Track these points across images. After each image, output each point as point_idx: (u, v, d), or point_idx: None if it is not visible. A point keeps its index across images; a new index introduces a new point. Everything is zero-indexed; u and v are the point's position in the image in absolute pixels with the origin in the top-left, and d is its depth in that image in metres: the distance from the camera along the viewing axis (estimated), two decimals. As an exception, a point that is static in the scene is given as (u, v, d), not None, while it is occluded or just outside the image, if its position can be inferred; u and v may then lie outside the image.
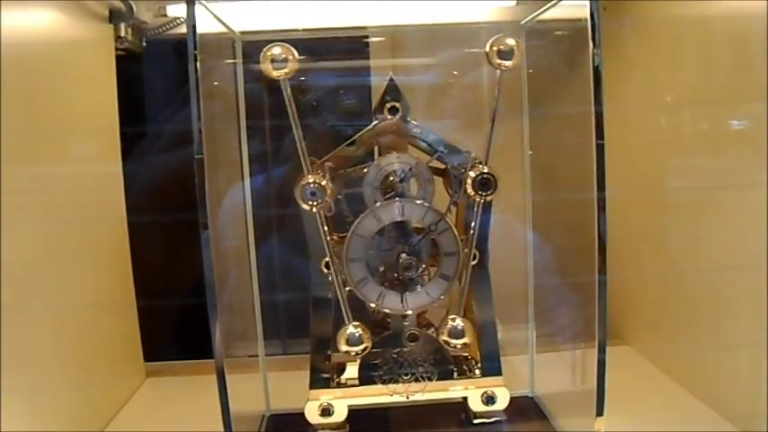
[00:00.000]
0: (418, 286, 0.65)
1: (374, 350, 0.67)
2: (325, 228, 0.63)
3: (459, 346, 0.66)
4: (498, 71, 0.62)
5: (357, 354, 0.64)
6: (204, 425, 0.59)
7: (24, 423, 0.59)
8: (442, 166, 0.68)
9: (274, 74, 0.59)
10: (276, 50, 0.59)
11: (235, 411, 0.59)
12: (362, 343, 0.64)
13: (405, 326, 0.67)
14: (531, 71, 0.75)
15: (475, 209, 0.64)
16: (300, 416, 0.67)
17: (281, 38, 0.60)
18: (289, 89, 0.60)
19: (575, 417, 0.69)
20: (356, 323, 0.64)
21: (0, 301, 0.56)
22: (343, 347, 0.64)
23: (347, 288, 0.65)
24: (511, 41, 0.61)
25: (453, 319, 0.65)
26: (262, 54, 0.59)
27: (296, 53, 0.59)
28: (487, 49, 0.61)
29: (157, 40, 0.90)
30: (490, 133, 0.63)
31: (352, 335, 0.64)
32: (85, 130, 0.77)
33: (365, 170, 0.67)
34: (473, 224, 0.65)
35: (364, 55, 0.93)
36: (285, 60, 0.59)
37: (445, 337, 0.65)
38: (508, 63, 0.61)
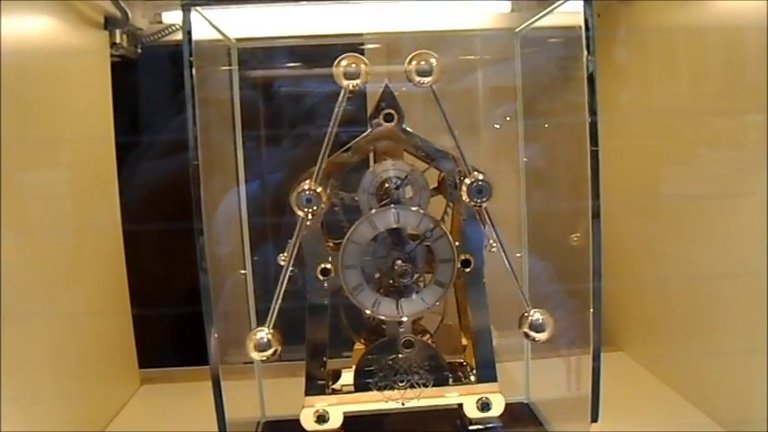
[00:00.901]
0: (413, 293, 0.65)
1: (370, 357, 0.67)
2: (322, 234, 0.63)
3: (538, 339, 0.64)
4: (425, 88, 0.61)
5: (267, 359, 0.62)
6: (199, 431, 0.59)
7: (20, 430, 0.59)
8: (438, 181, 0.69)
9: (345, 83, 0.60)
10: (349, 61, 0.59)
11: (230, 418, 0.59)
12: (271, 347, 0.62)
13: (400, 332, 0.67)
14: (525, 78, 0.76)
15: (469, 215, 0.65)
16: (296, 422, 0.67)
17: (277, 45, 0.61)
18: (344, 99, 0.61)
19: (570, 423, 0.69)
20: (262, 328, 0.62)
21: (-5, 309, 0.56)
22: (253, 354, 0.62)
23: (343, 295, 0.65)
24: (432, 59, 0.60)
25: (534, 313, 0.64)
26: (335, 64, 0.60)
27: (367, 62, 0.60)
28: (406, 65, 0.61)
29: (153, 46, 0.90)
30: (457, 145, 0.63)
31: (260, 339, 0.62)
32: (80, 136, 0.77)
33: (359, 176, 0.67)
34: (467, 231, 0.65)
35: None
36: (358, 74, 0.59)
37: (526, 330, 0.64)
38: (427, 80, 0.61)
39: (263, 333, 0.62)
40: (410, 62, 0.61)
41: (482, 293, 0.68)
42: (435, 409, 0.69)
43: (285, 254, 0.63)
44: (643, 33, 0.86)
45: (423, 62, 0.60)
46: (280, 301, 0.62)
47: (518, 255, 0.76)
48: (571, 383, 0.69)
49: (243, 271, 0.76)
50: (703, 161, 0.75)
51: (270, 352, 0.62)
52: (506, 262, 0.64)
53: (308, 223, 0.63)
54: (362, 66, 0.60)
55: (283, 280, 0.62)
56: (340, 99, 0.61)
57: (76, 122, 0.77)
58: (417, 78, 0.61)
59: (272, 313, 0.62)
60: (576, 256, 0.60)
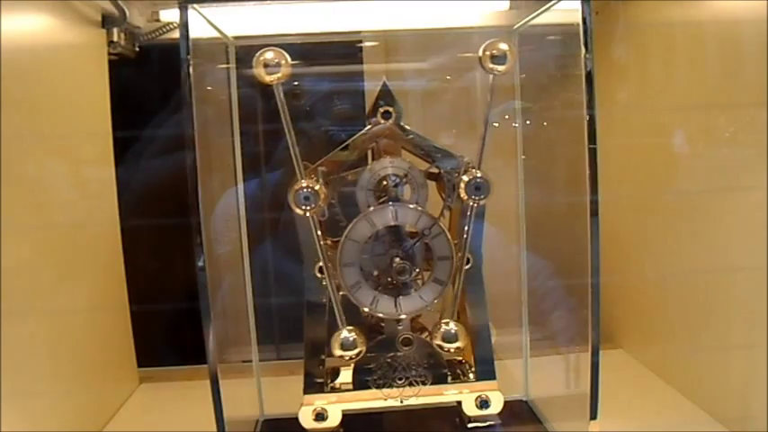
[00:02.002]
0: (412, 290, 0.65)
1: (368, 354, 0.67)
2: (319, 232, 0.63)
3: (452, 350, 0.66)
4: (491, 76, 0.62)
5: (351, 358, 0.64)
6: (198, 430, 0.59)
7: (18, 429, 0.59)
8: (436, 171, 0.68)
9: (267, 79, 0.59)
10: (269, 55, 0.59)
11: (228, 416, 0.59)
12: (356, 347, 0.64)
13: (398, 330, 0.67)
14: (523, 76, 0.76)
15: (468, 213, 0.64)
16: (294, 421, 0.67)
17: (275, 42, 0.60)
18: (282, 94, 0.60)
19: (569, 420, 0.69)
20: (350, 327, 0.64)
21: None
22: (338, 352, 0.64)
23: (341, 293, 0.65)
24: (504, 46, 0.61)
25: (447, 323, 0.65)
26: (255, 59, 0.59)
27: (288, 58, 0.59)
28: (480, 53, 0.61)
29: (150, 44, 0.90)
30: (483, 137, 0.63)
31: (346, 339, 0.64)
32: (78, 134, 0.76)
33: (358, 175, 0.67)
34: (466, 228, 0.65)
35: (357, 60, 0.93)
36: (278, 65, 0.59)
37: (438, 341, 0.65)
38: (501, 68, 0.61)
39: (349, 333, 0.64)
40: (485, 50, 0.61)
41: (481, 291, 0.68)
42: (434, 407, 0.69)
43: (320, 262, 0.64)
44: (641, 31, 0.86)
45: (496, 50, 0.61)
46: (339, 300, 0.64)
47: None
48: (570, 381, 0.69)
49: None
50: (702, 157, 0.75)
51: (355, 351, 0.64)
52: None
53: (318, 219, 0.63)
54: (284, 60, 0.59)
55: (330, 282, 0.64)
56: (278, 96, 0.60)
57: (74, 120, 0.77)
58: (491, 66, 0.61)
59: (339, 314, 0.64)
60: (575, 253, 0.60)
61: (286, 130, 0.61)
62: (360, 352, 0.64)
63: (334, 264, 0.64)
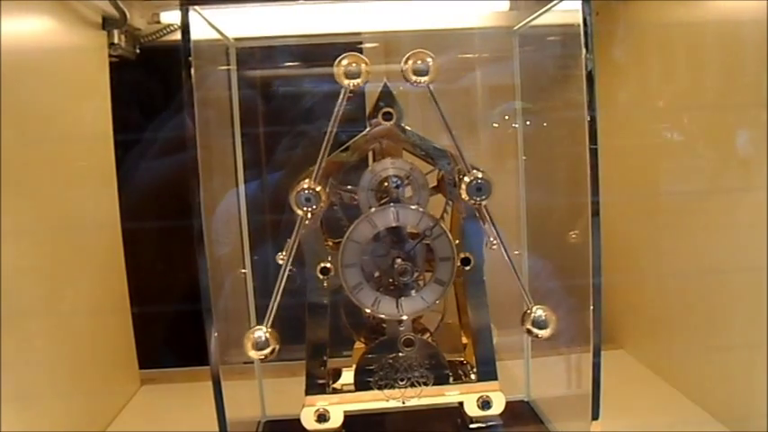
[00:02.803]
0: (413, 291, 0.65)
1: (370, 355, 0.67)
2: (321, 233, 0.63)
3: (543, 336, 0.63)
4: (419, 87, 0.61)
5: (265, 358, 0.62)
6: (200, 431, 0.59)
7: (20, 431, 0.59)
8: (438, 179, 0.69)
9: (347, 83, 0.60)
10: (349, 61, 0.59)
11: (230, 418, 0.59)
12: (269, 346, 0.62)
13: (400, 331, 0.67)
14: (524, 76, 0.76)
15: (469, 214, 0.65)
16: (296, 422, 0.67)
17: (275, 44, 0.60)
18: (345, 98, 0.61)
19: (570, 421, 0.69)
20: (260, 326, 0.62)
21: (-5, 310, 0.56)
22: (251, 353, 0.62)
23: (343, 294, 0.65)
24: (428, 58, 0.60)
25: (536, 310, 0.63)
26: (335, 64, 0.60)
27: (367, 62, 0.60)
28: (402, 64, 0.61)
29: (151, 46, 0.90)
30: (457, 146, 0.63)
31: (258, 338, 0.62)
32: (79, 136, 0.76)
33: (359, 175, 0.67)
34: (467, 229, 0.65)
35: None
36: (359, 73, 0.59)
37: (529, 326, 0.63)
38: (423, 79, 0.61)
39: (261, 332, 0.62)
40: (406, 61, 0.60)
41: (482, 292, 0.68)
42: (436, 408, 0.69)
43: (284, 253, 0.63)
44: (641, 31, 0.86)
45: (419, 61, 0.60)
46: (278, 299, 0.62)
47: (516, 252, 0.76)
48: (572, 381, 0.69)
49: (243, 270, 0.76)
50: (702, 157, 0.75)
51: (268, 350, 0.62)
52: (507, 259, 0.64)
53: (307, 222, 0.62)
54: (363, 65, 0.60)
55: (282, 278, 0.62)
56: (340, 99, 0.61)
57: (75, 122, 0.77)
58: (414, 78, 0.60)
59: (271, 312, 0.62)
60: (576, 254, 0.60)
61: (328, 135, 0.61)
62: (273, 350, 0.62)
63: (336, 265, 0.64)
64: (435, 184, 0.69)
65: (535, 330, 0.63)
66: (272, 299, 0.62)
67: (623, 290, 0.92)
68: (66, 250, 0.72)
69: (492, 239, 0.64)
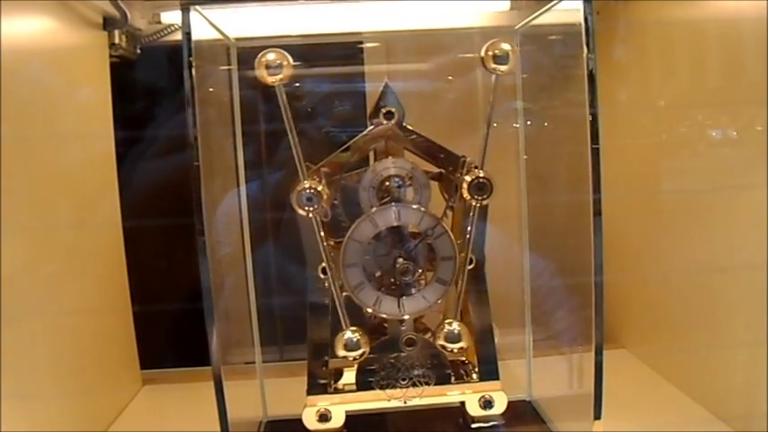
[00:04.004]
0: (415, 291, 0.65)
1: (371, 355, 0.67)
2: (322, 233, 0.63)
3: (455, 351, 0.66)
4: (494, 76, 0.62)
5: (355, 359, 0.64)
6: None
7: (21, 431, 0.59)
8: (438, 171, 0.68)
9: (269, 80, 0.59)
10: (271, 56, 0.59)
11: (232, 418, 0.59)
12: (360, 348, 0.64)
13: (402, 331, 0.67)
14: (525, 76, 0.76)
15: (471, 213, 0.64)
16: (298, 422, 0.67)
17: (276, 44, 0.60)
18: (284, 95, 0.60)
19: (572, 420, 0.69)
20: (354, 328, 0.64)
21: (-4, 310, 0.56)
22: (341, 352, 0.64)
23: (344, 293, 0.65)
24: (506, 46, 0.61)
25: (450, 323, 0.65)
26: (256, 60, 0.59)
27: (290, 59, 0.59)
28: (482, 53, 0.61)
29: (152, 46, 0.90)
30: (486, 138, 0.63)
31: (349, 340, 0.64)
32: (80, 136, 0.77)
33: (360, 175, 0.67)
34: (469, 228, 0.65)
35: (359, 61, 0.93)
36: (280, 66, 0.59)
37: (442, 342, 0.65)
38: (503, 68, 0.61)
39: (352, 333, 0.64)
40: (487, 50, 0.61)
41: (484, 291, 0.68)
42: (438, 408, 0.69)
43: (323, 263, 0.64)
44: (642, 30, 0.86)
45: (497, 51, 0.61)
46: (342, 302, 0.64)
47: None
48: (573, 381, 0.69)
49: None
50: (703, 156, 0.75)
51: (359, 352, 0.64)
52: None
53: (322, 218, 0.63)
54: (285, 61, 0.59)
55: (333, 282, 0.64)
56: (280, 96, 0.60)
57: (76, 122, 0.77)
58: (493, 66, 0.61)
59: (343, 316, 0.64)
60: (578, 253, 0.59)
61: (288, 131, 0.61)
62: (363, 353, 0.64)
63: (337, 264, 0.64)
64: (436, 183, 0.69)
65: (449, 345, 0.65)
66: (338, 303, 0.64)
67: (625, 289, 0.92)
68: (67, 250, 0.72)
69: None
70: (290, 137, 0.61)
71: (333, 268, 0.64)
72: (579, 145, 0.57)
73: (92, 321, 0.76)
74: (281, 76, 0.59)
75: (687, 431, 0.72)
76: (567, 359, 0.71)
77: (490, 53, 0.61)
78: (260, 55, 0.59)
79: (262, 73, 0.59)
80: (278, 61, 0.59)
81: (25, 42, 0.66)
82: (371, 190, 0.67)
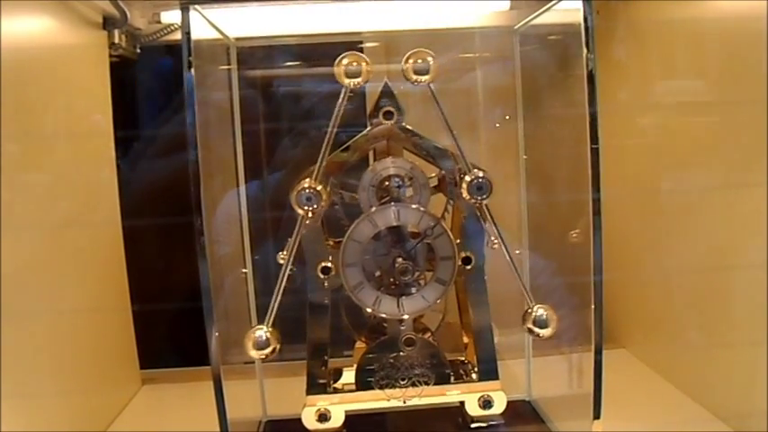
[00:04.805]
0: (414, 290, 0.65)
1: (371, 355, 0.67)
2: (322, 232, 0.63)
3: (543, 336, 0.64)
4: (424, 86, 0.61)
5: (266, 357, 0.62)
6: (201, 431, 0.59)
7: (21, 431, 0.59)
8: (438, 179, 0.68)
9: (347, 82, 0.60)
10: (350, 60, 0.59)
11: (232, 418, 0.59)
12: (270, 345, 0.62)
13: (401, 330, 0.67)
14: (525, 75, 0.76)
15: (470, 213, 0.65)
16: (297, 421, 0.67)
17: (276, 44, 0.60)
18: (345, 97, 0.61)
19: (572, 420, 0.69)
20: (261, 326, 0.62)
21: (-4, 309, 0.56)
22: (251, 352, 0.62)
23: (344, 293, 0.65)
24: (429, 57, 0.60)
25: (538, 309, 0.64)
26: (336, 63, 0.60)
27: (368, 60, 0.60)
28: (402, 63, 0.61)
29: (152, 46, 0.90)
30: (457, 144, 0.63)
31: (259, 338, 0.62)
32: (80, 136, 0.77)
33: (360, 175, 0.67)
34: (468, 228, 0.65)
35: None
36: (359, 73, 0.59)
37: (530, 326, 0.64)
38: (424, 78, 0.61)
39: (262, 331, 0.62)
40: (407, 60, 0.60)
41: (483, 291, 0.68)
42: (437, 408, 0.69)
43: (284, 252, 0.63)
44: (641, 30, 0.86)
45: (419, 60, 0.60)
46: (279, 299, 0.62)
47: (517, 252, 0.76)
48: (573, 381, 0.69)
49: (244, 270, 0.76)
50: (703, 155, 0.75)
51: (269, 350, 0.62)
52: (508, 258, 0.64)
53: (308, 222, 0.62)
54: (364, 64, 0.60)
55: (282, 278, 0.62)
56: (341, 98, 0.61)
57: (76, 122, 0.77)
58: (414, 77, 0.60)
59: (271, 311, 0.62)
60: (578, 253, 0.60)
61: (329, 134, 0.61)
62: (274, 349, 0.62)
63: (336, 264, 0.64)
64: (436, 183, 0.69)
65: (536, 330, 0.63)
66: (273, 298, 0.62)
67: (624, 289, 0.92)
68: (67, 250, 0.72)
69: (493, 239, 0.64)
70: (327, 138, 0.61)
71: (332, 268, 0.64)
72: (579, 144, 0.57)
73: (91, 321, 0.76)
74: (359, 80, 0.60)
75: (686, 431, 0.72)
76: (566, 359, 0.71)
77: (411, 62, 0.60)
78: (339, 58, 0.60)
79: (341, 78, 0.60)
80: (357, 64, 0.59)
81: (25, 42, 0.65)
82: (371, 190, 0.67)
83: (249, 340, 0.62)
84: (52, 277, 0.68)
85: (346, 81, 0.60)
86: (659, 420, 0.74)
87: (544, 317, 0.63)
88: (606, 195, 0.57)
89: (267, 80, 0.92)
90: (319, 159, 0.61)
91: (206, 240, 0.56)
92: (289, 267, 0.62)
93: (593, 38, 0.56)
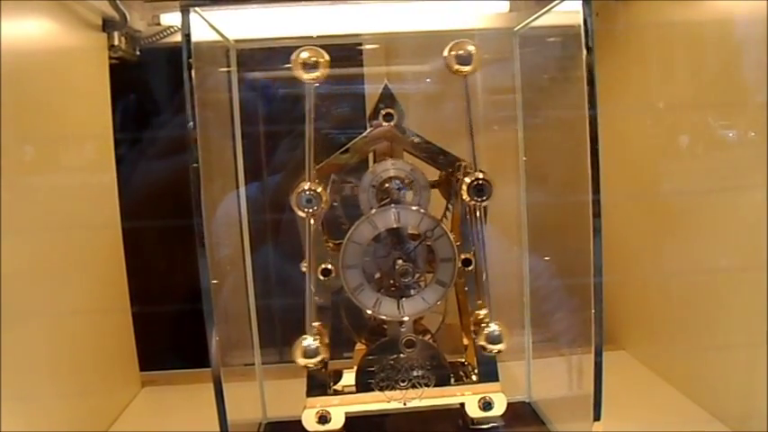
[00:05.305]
0: (414, 292, 0.65)
1: (371, 357, 0.67)
2: (319, 228, 0.63)
3: (494, 351, 0.64)
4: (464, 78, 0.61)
5: (314, 366, 0.63)
6: (201, 434, 0.59)
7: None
8: (437, 178, 0.69)
9: (305, 77, 0.59)
10: (306, 54, 0.59)
11: (232, 420, 0.59)
12: (319, 354, 0.63)
13: (401, 332, 0.67)
14: (524, 77, 0.76)
15: (470, 214, 0.65)
16: (297, 423, 0.67)
17: (275, 46, 0.60)
18: (313, 95, 0.60)
19: (572, 422, 0.69)
20: (308, 335, 0.63)
21: (-4, 311, 0.56)
22: (300, 360, 0.63)
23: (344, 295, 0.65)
24: (470, 47, 0.60)
25: (488, 324, 0.64)
26: (293, 58, 0.59)
27: (327, 57, 0.59)
28: (445, 53, 0.61)
29: (151, 48, 0.90)
30: (472, 141, 0.63)
31: (308, 347, 0.63)
32: (79, 138, 0.77)
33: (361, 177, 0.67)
34: (468, 230, 0.65)
35: (358, 62, 0.93)
36: (316, 65, 0.58)
37: (482, 343, 0.64)
38: (466, 68, 0.61)
39: (311, 340, 0.62)
40: (449, 51, 0.60)
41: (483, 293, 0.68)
42: (437, 409, 0.69)
43: (305, 262, 0.63)
44: (641, 31, 0.86)
45: (461, 51, 0.60)
46: (311, 306, 0.63)
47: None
48: (573, 382, 0.69)
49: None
50: (703, 157, 0.75)
51: (317, 359, 0.62)
52: (483, 266, 0.64)
53: (314, 223, 0.62)
54: (322, 59, 0.59)
55: (310, 286, 0.63)
56: (308, 97, 0.60)
57: (75, 124, 0.77)
58: (456, 66, 0.60)
59: (309, 320, 0.63)
60: (578, 254, 0.60)
61: (307, 132, 0.61)
62: (323, 359, 0.63)
63: (336, 266, 0.64)
64: (436, 184, 0.69)
65: (489, 346, 0.64)
66: (307, 307, 0.63)
67: (624, 291, 0.92)
68: (67, 251, 0.71)
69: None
70: (306, 138, 0.61)
71: (333, 270, 0.64)
72: (579, 146, 0.58)
73: (91, 323, 0.76)
74: (317, 74, 0.59)
75: (686, 432, 0.72)
76: (566, 360, 0.71)
77: (453, 53, 0.60)
78: (296, 53, 0.59)
79: (298, 71, 0.59)
80: (314, 59, 0.58)
81: (24, 44, 0.65)
82: (371, 191, 0.67)
83: (298, 349, 0.62)
84: (52, 279, 0.68)
85: (304, 76, 0.59)
86: (659, 422, 0.74)
87: (496, 333, 0.64)
88: (606, 197, 0.57)
89: (267, 82, 0.92)
90: (307, 161, 0.61)
91: (206, 242, 0.56)
92: (310, 274, 0.63)
93: (592, 39, 0.56)
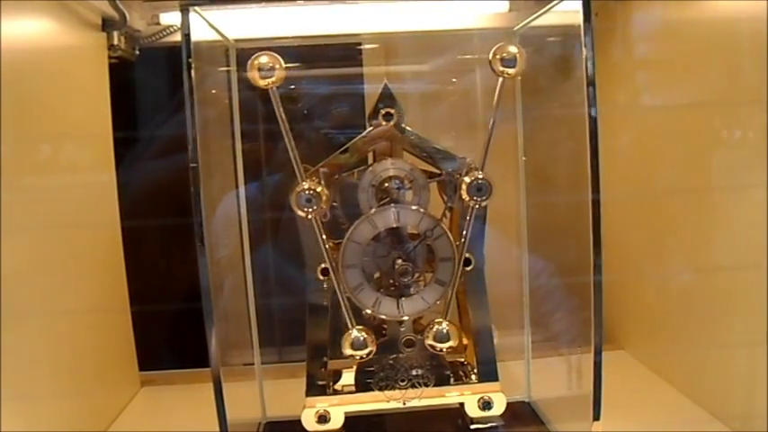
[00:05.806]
0: (414, 292, 0.65)
1: (370, 356, 0.67)
2: (324, 236, 0.63)
3: (444, 350, 0.65)
4: (499, 79, 0.61)
5: (362, 358, 0.64)
6: (201, 433, 0.59)
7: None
8: (437, 173, 0.68)
9: (261, 83, 0.59)
10: (263, 59, 0.59)
11: (231, 419, 0.59)
12: (367, 347, 0.64)
13: (401, 332, 0.67)
14: (524, 77, 0.76)
15: (469, 214, 0.64)
16: (297, 423, 0.67)
17: (275, 45, 0.60)
18: (277, 97, 0.60)
19: (571, 421, 0.69)
20: (360, 327, 0.64)
21: (-5, 311, 0.56)
22: (348, 351, 0.63)
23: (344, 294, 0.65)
24: (514, 49, 0.60)
25: (439, 323, 0.65)
26: (249, 63, 0.59)
27: (282, 62, 0.59)
28: (490, 56, 0.61)
29: (151, 48, 0.90)
30: (489, 139, 0.63)
31: (356, 339, 0.63)
32: (79, 137, 0.76)
33: (360, 175, 0.67)
34: (468, 229, 0.65)
35: (357, 62, 0.93)
36: (272, 69, 0.58)
37: (431, 342, 0.65)
38: (511, 70, 0.61)
39: (359, 333, 0.63)
40: (494, 54, 0.60)
41: (483, 292, 0.68)
42: (437, 409, 0.69)
43: (323, 264, 0.64)
44: (640, 31, 0.86)
45: (505, 54, 0.60)
46: (346, 304, 0.64)
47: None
48: (572, 382, 0.69)
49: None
50: (703, 157, 0.75)
51: (366, 351, 0.63)
52: (456, 265, 0.64)
53: (321, 219, 0.63)
54: (278, 64, 0.59)
55: (337, 284, 0.63)
56: (274, 101, 0.60)
57: (75, 123, 0.77)
58: (501, 69, 0.60)
59: (348, 315, 0.64)
60: (577, 254, 0.60)
61: (284, 133, 0.61)
62: (370, 351, 0.64)
63: (336, 266, 0.64)
64: (435, 184, 0.69)
65: (437, 344, 0.64)
66: (342, 303, 0.63)
67: (624, 290, 0.92)
68: (66, 251, 0.71)
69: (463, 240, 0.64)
70: (285, 138, 0.61)
71: (336, 269, 0.64)
72: (579, 145, 0.58)
73: (90, 322, 0.76)
74: (273, 79, 0.59)
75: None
76: (565, 360, 0.71)
77: (498, 56, 0.60)
78: (252, 58, 0.59)
79: (254, 75, 0.59)
80: (270, 64, 0.58)
81: (24, 43, 0.65)
82: (371, 191, 0.67)
83: (347, 341, 0.63)
84: (51, 279, 0.68)
85: (261, 82, 0.59)
86: (658, 422, 0.74)
87: (445, 331, 0.64)
88: (606, 196, 0.57)
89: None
90: (294, 161, 0.61)
91: (205, 241, 0.56)
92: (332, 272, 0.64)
93: (592, 39, 0.56)
